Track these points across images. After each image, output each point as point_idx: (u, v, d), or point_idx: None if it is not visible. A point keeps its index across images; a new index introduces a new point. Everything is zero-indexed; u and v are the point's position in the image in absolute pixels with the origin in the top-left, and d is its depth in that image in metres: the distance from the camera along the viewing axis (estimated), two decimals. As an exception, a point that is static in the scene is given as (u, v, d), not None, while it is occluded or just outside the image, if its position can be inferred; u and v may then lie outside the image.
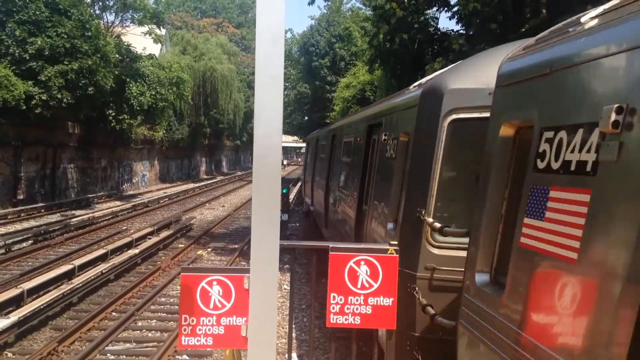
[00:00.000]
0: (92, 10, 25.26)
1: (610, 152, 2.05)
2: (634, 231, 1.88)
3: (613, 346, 1.93)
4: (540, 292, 2.46)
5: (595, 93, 2.29)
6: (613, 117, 2.00)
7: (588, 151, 2.20)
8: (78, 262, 11.65)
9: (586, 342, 2.07)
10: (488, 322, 2.88)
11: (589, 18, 2.64)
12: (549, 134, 2.53)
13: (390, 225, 5.54)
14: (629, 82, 2.08)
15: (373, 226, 6.47)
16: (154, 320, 9.31)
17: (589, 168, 2.19)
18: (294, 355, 6.05)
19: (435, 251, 4.52)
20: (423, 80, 6.26)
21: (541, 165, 2.57)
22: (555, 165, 2.45)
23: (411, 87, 6.40)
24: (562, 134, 2.41)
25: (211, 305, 2.89)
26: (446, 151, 4.58)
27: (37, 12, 19.89)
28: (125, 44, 27.28)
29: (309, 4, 21.42)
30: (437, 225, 4.32)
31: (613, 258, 1.99)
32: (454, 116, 4.56)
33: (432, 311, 4.19)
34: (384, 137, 6.35)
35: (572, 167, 2.31)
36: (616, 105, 2.00)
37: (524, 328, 2.53)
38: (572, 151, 2.32)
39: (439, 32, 15.19)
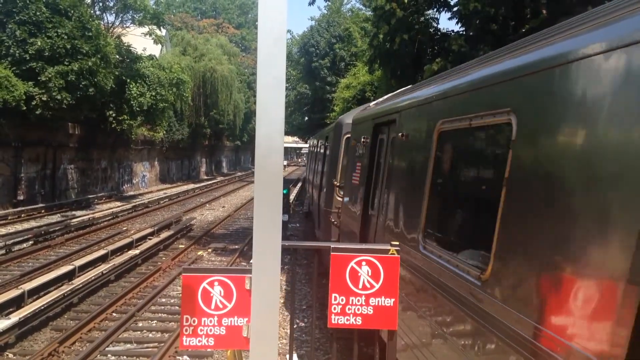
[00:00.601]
0: (92, 11, 25.27)
1: (361, 150, 7.57)
2: (371, 173, 6.97)
3: (360, 205, 7.26)
4: (351, 196, 8.02)
5: (361, 131, 7.71)
6: (362, 139, 7.29)
7: (362, 150, 7.48)
8: (78, 262, 11.66)
9: (358, 201, 7.36)
10: (346, 211, 8.33)
11: (372, 104, 8.81)
12: (357, 144, 7.88)
13: (324, 190, 11.45)
14: (360, 132, 7.81)
15: (322, 192, 12.16)
16: (155, 321, 9.32)
17: (360, 155, 7.66)
18: (295, 356, 6.05)
19: (340, 199, 9.56)
20: (341, 115, 13.41)
21: (357, 155, 7.87)
22: (358, 154, 7.74)
23: (340, 117, 12.70)
24: (359, 144, 7.60)
25: (212, 306, 2.89)
26: (344, 152, 10.10)
27: (38, 13, 19.89)
28: (126, 44, 27.29)
29: (309, 4, 21.44)
30: (338, 184, 10.06)
31: (363, 179, 7.24)
32: (347, 136, 9.89)
33: (337, 223, 9.43)
34: (326, 144, 12.90)
35: (359, 155, 7.69)
36: (364, 136, 7.29)
37: (352, 207, 7.74)
38: (361, 150, 7.58)
39: (439, 33, 15.18)
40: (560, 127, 2.56)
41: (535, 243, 2.64)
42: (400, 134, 5.26)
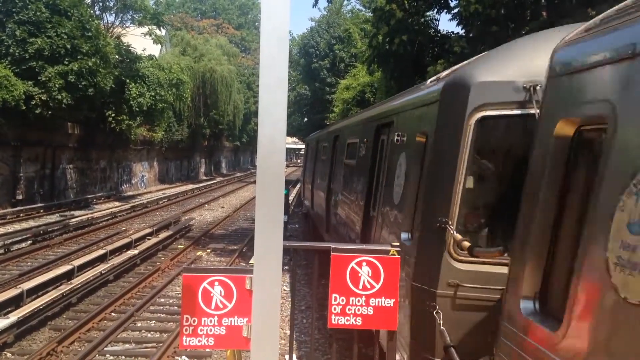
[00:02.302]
0: (92, 11, 25.25)
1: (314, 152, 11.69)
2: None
3: None
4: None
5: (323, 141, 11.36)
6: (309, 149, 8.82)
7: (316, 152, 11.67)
8: (77, 262, 11.63)
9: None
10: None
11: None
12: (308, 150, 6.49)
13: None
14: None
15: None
16: (153, 321, 9.30)
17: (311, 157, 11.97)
18: (295, 357, 6.06)
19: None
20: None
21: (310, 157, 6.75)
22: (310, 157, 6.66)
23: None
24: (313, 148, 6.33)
25: (213, 306, 2.89)
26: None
27: (38, 13, 19.89)
28: (125, 44, 27.27)
29: (313, 5, 21.46)
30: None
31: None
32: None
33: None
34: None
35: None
36: (306, 148, 8.18)
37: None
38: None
39: (439, 34, 15.19)
40: None
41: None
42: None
